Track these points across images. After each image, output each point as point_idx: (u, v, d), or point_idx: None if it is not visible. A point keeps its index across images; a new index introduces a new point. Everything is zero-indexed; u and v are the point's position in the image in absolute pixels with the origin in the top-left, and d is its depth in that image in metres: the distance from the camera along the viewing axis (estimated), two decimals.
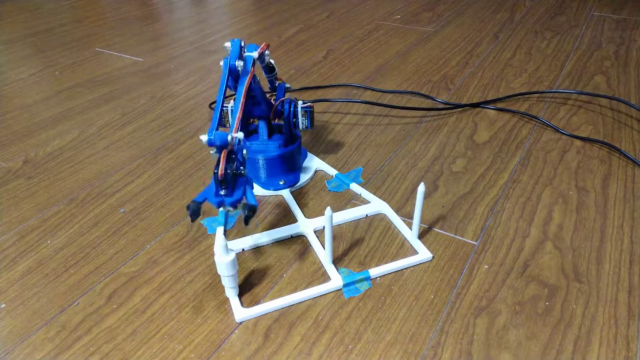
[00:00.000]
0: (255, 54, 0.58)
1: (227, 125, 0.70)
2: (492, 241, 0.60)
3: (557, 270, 0.55)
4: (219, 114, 0.52)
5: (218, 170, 0.48)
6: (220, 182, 0.48)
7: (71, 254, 0.60)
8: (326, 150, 0.79)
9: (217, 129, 0.50)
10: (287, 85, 0.73)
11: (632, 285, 0.53)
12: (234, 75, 0.56)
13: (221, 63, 0.56)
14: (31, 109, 0.95)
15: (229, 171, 0.48)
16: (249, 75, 0.55)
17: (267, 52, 0.62)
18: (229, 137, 0.49)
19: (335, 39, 1.26)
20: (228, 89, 0.57)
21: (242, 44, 0.57)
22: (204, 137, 0.49)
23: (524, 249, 0.58)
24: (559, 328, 0.49)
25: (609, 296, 0.52)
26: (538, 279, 0.54)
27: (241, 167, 0.51)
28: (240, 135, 0.50)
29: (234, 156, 0.50)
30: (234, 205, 0.49)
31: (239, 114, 0.52)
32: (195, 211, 0.47)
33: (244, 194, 0.50)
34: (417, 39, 1.24)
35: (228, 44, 0.57)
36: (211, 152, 0.50)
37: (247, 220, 0.48)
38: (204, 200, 0.49)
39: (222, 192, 0.48)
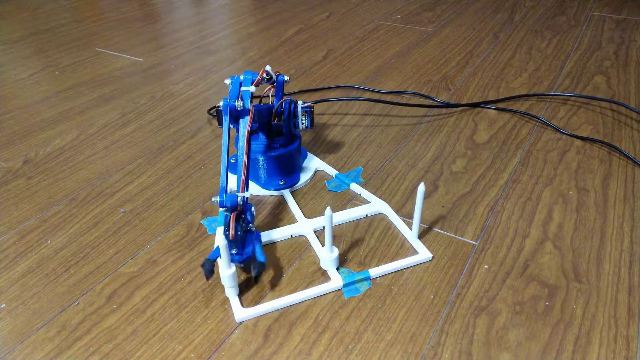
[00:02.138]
0: (252, 88, 0.59)
1: (220, 126, 0.71)
2: (492, 241, 0.60)
3: (557, 270, 0.55)
4: (226, 176, 0.55)
5: (229, 232, 0.52)
6: (231, 242, 0.52)
7: (71, 254, 0.60)
8: (326, 150, 0.79)
9: (226, 190, 0.54)
10: (286, 78, 0.72)
11: (632, 285, 0.53)
12: (233, 116, 0.58)
13: (220, 104, 0.58)
14: (31, 109, 0.95)
15: (239, 232, 0.52)
16: (247, 125, 0.57)
17: (269, 71, 0.64)
18: (239, 199, 0.52)
19: (335, 39, 1.26)
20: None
21: (241, 79, 0.60)
22: (216, 199, 0.53)
23: (524, 249, 0.58)
24: (559, 328, 0.49)
25: (609, 296, 0.52)
26: (538, 279, 0.54)
27: (250, 225, 0.55)
28: (248, 194, 0.54)
29: (243, 216, 0.54)
30: (244, 262, 0.53)
31: (243, 174, 0.55)
32: (210, 270, 0.51)
33: (254, 249, 0.53)
34: (417, 39, 1.24)
35: (228, 81, 0.60)
36: (220, 209, 0.54)
37: (257, 278, 0.53)
38: (217, 258, 0.52)
39: (234, 251, 0.52)
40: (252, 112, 0.57)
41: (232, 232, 0.52)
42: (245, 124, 0.57)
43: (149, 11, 1.55)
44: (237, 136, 0.58)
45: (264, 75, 0.64)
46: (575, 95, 0.93)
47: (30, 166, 0.77)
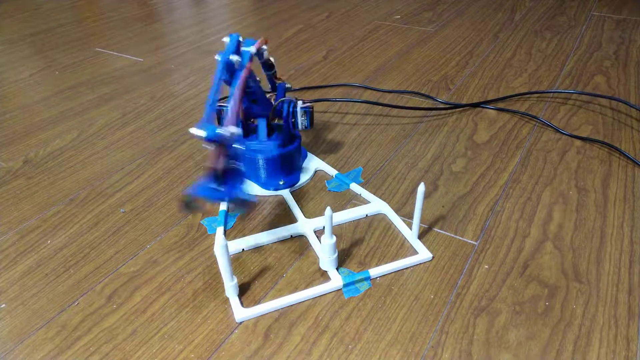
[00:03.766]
0: (252, 49, 0.56)
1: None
2: (492, 241, 0.60)
3: (557, 270, 0.55)
4: (214, 108, 0.50)
5: (213, 164, 0.46)
6: (216, 177, 0.47)
7: (71, 254, 0.60)
8: (326, 150, 0.79)
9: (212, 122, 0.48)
10: (288, 85, 0.73)
11: (632, 285, 0.53)
12: (230, 71, 0.54)
13: (216, 57, 0.54)
14: (31, 109, 0.95)
15: (224, 166, 0.47)
16: (245, 69, 0.54)
17: (265, 47, 0.61)
18: (221, 131, 0.46)
19: (335, 39, 1.26)
20: (225, 85, 0.56)
21: (240, 39, 0.56)
22: (195, 130, 0.46)
23: (524, 249, 0.58)
24: (559, 328, 0.49)
25: (609, 296, 0.52)
26: (538, 279, 0.54)
27: (236, 161, 0.49)
28: (234, 129, 0.48)
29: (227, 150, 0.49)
30: (232, 201, 0.48)
31: (235, 107, 0.51)
32: (187, 205, 0.46)
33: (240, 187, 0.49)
34: (417, 39, 1.24)
35: (227, 39, 0.56)
36: (204, 145, 0.48)
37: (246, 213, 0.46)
38: (199, 195, 0.47)
39: (219, 186, 0.47)
40: (249, 67, 0.54)
41: (218, 164, 0.47)
42: (240, 75, 0.54)
43: (149, 11, 1.55)
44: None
45: (263, 46, 0.61)
46: (577, 92, 0.93)
47: (30, 166, 0.77)
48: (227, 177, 0.48)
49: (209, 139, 0.47)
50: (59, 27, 1.42)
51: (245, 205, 0.48)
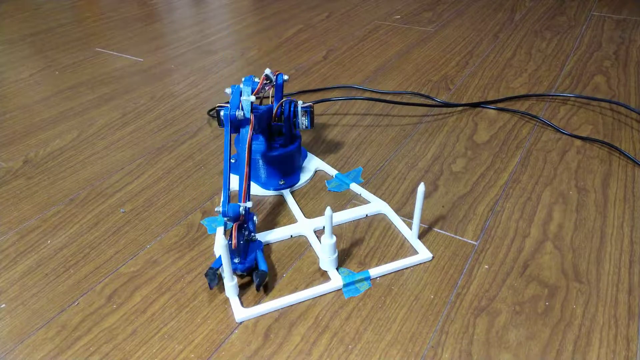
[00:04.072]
0: (252, 98, 0.59)
1: (220, 126, 0.70)
2: (492, 241, 0.60)
3: (557, 270, 0.55)
4: (227, 185, 0.55)
5: (231, 242, 0.52)
6: (233, 252, 0.53)
7: (71, 254, 0.60)
8: (326, 150, 0.79)
9: (229, 200, 0.54)
10: (285, 77, 0.72)
11: (632, 285, 0.53)
12: (234, 125, 0.58)
13: (222, 113, 0.59)
14: (31, 109, 0.95)
15: (241, 242, 0.53)
16: (248, 138, 0.57)
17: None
18: (241, 209, 0.53)
19: (335, 39, 1.26)
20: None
21: (242, 88, 0.60)
22: (219, 209, 0.53)
23: (524, 249, 0.58)
24: (559, 328, 0.49)
25: (609, 296, 0.52)
26: (538, 279, 0.54)
27: (252, 234, 0.55)
28: (249, 204, 0.54)
29: (245, 225, 0.55)
30: (247, 271, 0.53)
31: (244, 184, 0.55)
32: (212, 279, 0.51)
33: (256, 258, 0.54)
34: (417, 39, 1.24)
35: (229, 90, 0.60)
36: (224, 219, 0.55)
37: (258, 287, 0.52)
38: (219, 267, 0.52)
39: (236, 260, 0.53)
40: (252, 122, 0.58)
41: (234, 241, 0.53)
42: (246, 132, 0.57)
43: (149, 11, 1.55)
44: (237, 136, 0.58)
45: (265, 81, 0.64)
46: (575, 95, 0.93)
47: (30, 166, 0.77)
48: (243, 251, 0.54)
49: (224, 216, 0.53)
50: (59, 27, 1.42)
51: (259, 276, 0.52)
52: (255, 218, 0.57)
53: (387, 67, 1.08)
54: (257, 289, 0.53)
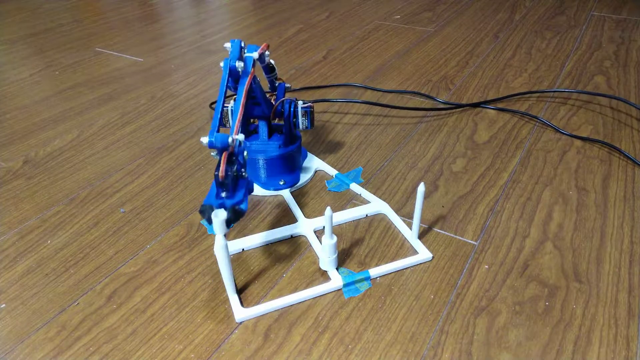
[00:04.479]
0: (255, 55, 0.58)
1: (228, 125, 0.70)
2: (492, 241, 0.60)
3: (557, 270, 0.55)
4: (219, 115, 0.52)
5: (219, 172, 0.48)
6: (221, 185, 0.48)
7: (71, 254, 0.60)
8: (326, 150, 0.79)
9: (217, 131, 0.50)
10: (287, 85, 0.73)
11: (632, 285, 0.53)
12: (234, 76, 0.56)
13: (221, 64, 0.56)
14: (31, 109, 0.95)
15: (229, 173, 0.48)
16: (249, 76, 0.55)
17: (267, 52, 0.62)
18: (230, 139, 0.49)
19: (335, 39, 1.26)
20: (228, 90, 0.57)
21: (242, 45, 0.57)
22: (205, 139, 0.48)
23: (524, 249, 0.58)
24: (559, 328, 0.49)
25: (609, 296, 0.52)
26: (538, 279, 0.54)
27: (242, 169, 0.51)
28: (241, 137, 0.50)
29: (234, 158, 0.50)
30: (235, 206, 0.48)
31: (239, 116, 0.52)
32: (210, 218, 0.47)
33: (244, 196, 0.50)
34: (417, 39, 1.24)
35: (228, 45, 0.57)
36: (212, 154, 0.50)
37: (228, 223, 0.47)
38: (210, 203, 0.48)
39: (223, 195, 0.48)
40: (252, 73, 0.56)
41: (222, 172, 0.47)
42: (244, 82, 0.55)
43: (149, 11, 1.55)
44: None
45: (265, 51, 0.62)
46: (576, 91, 0.93)
47: (30, 166, 0.77)
48: (231, 185, 0.49)
49: (211, 146, 0.48)
50: (59, 27, 1.42)
51: (234, 214, 0.48)
52: (245, 153, 0.52)
53: (387, 67, 1.08)
54: (227, 225, 0.47)
